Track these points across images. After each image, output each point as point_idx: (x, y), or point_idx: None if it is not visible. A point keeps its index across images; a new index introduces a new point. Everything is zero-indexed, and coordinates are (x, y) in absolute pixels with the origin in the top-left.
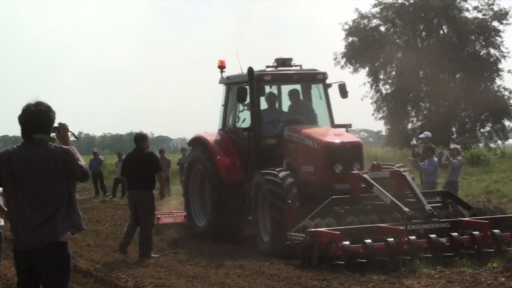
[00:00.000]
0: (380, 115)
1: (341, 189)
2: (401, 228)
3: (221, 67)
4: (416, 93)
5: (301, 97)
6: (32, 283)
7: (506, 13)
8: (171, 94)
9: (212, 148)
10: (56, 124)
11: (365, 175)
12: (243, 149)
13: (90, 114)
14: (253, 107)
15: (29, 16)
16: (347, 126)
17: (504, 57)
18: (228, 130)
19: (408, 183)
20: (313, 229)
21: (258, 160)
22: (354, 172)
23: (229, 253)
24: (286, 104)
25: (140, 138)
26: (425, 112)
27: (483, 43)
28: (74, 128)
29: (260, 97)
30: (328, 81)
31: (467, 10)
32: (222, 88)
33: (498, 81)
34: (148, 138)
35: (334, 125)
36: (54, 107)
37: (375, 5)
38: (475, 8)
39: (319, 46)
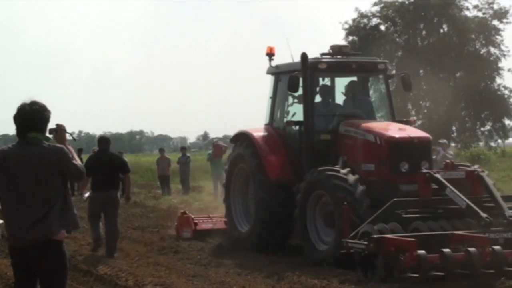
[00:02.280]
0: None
1: (408, 191)
2: (484, 236)
3: (270, 54)
4: (416, 92)
5: (357, 91)
6: (29, 282)
7: (506, 12)
8: (171, 93)
9: (258, 145)
10: (53, 126)
11: (437, 175)
12: (292, 146)
13: (90, 113)
14: (306, 98)
15: (29, 16)
16: (411, 122)
17: (504, 56)
18: (276, 125)
19: (486, 185)
20: (378, 236)
21: (311, 158)
22: (424, 171)
23: (229, 252)
24: (340, 98)
25: (106, 140)
26: (425, 111)
27: (483, 42)
28: (75, 127)
29: (314, 87)
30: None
31: (467, 9)
32: (269, 79)
33: (498, 80)
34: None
35: (395, 122)
36: (54, 107)
37: (375, 4)
38: (475, 7)
39: (319, 45)
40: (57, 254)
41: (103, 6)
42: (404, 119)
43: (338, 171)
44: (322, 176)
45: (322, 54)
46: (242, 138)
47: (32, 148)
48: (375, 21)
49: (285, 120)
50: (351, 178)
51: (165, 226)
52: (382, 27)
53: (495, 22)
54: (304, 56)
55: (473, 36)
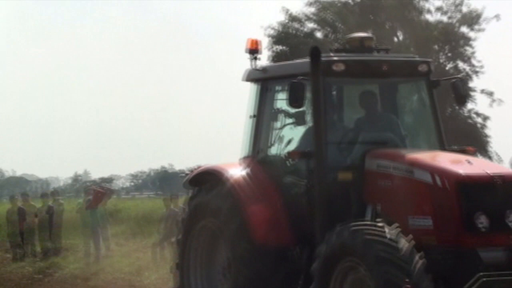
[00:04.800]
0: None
1: (491, 259)
2: None
3: (253, 50)
4: None
5: (379, 105)
6: None
7: (478, 16)
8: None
9: (237, 190)
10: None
11: None
12: (291, 190)
13: None
14: (318, 116)
15: (29, 16)
16: (470, 151)
17: (476, 72)
18: (261, 158)
19: None
20: None
21: (327, 208)
22: None
23: None
24: (348, 116)
25: None
26: None
27: (449, 54)
28: None
29: (327, 99)
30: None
31: (429, 11)
32: (250, 88)
33: (469, 105)
34: None
35: (445, 150)
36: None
37: (309, 4)
38: (439, 9)
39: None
40: None
41: (103, 8)
42: (455, 147)
43: (381, 230)
44: (356, 237)
45: (335, 50)
46: (210, 178)
47: None
48: (309, 26)
49: (271, 150)
50: (392, 231)
51: None
52: (319, 34)
53: (464, 29)
54: (315, 51)
55: (436, 46)
